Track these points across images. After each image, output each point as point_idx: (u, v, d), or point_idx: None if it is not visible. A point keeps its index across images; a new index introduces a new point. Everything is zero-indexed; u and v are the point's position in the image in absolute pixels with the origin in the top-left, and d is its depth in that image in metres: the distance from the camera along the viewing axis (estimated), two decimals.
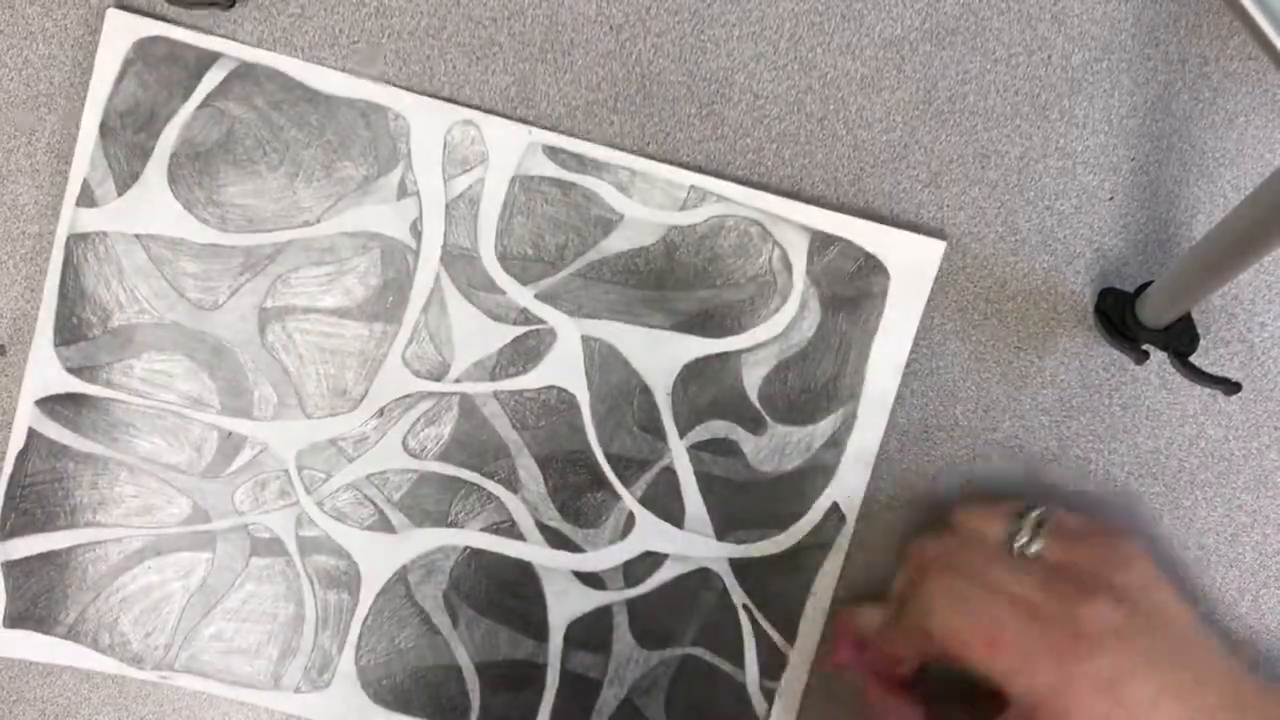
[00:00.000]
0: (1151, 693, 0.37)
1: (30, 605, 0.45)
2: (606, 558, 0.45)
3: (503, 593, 0.46)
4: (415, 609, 0.46)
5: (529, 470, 0.45)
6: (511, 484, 0.45)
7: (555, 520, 0.45)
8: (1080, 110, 0.45)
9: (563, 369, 0.45)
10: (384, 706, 0.45)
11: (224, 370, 0.45)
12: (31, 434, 0.45)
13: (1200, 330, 0.44)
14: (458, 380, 0.45)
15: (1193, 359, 0.44)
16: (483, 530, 0.46)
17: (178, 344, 0.45)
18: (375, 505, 0.45)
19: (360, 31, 0.45)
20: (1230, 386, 0.44)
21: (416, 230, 0.45)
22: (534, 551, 0.45)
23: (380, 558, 0.45)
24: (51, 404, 0.45)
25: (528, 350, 0.45)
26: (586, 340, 0.45)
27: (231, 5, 0.45)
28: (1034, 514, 0.41)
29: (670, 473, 0.45)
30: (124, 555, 0.45)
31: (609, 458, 0.45)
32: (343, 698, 0.46)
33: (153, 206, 0.45)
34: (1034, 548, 0.40)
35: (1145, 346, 0.44)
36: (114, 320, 0.45)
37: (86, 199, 0.45)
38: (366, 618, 0.46)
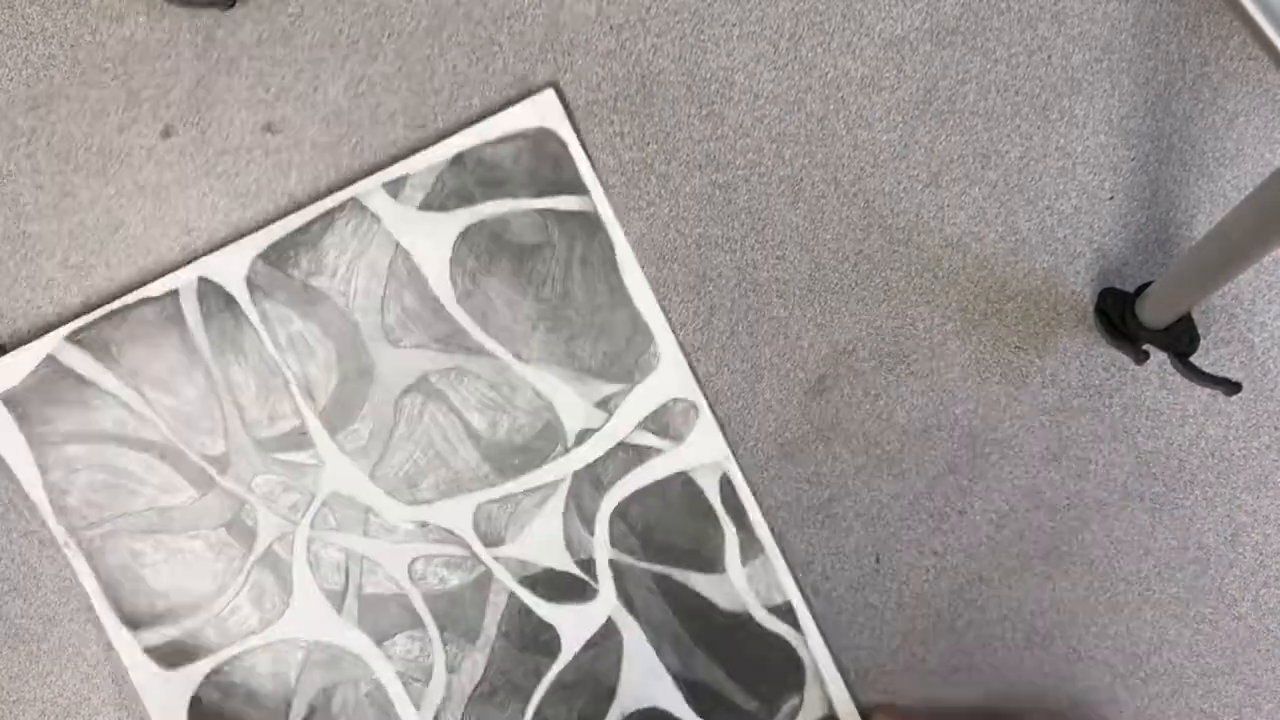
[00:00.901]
0: None
1: (33, 400, 0.46)
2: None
3: None
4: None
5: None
6: (455, 653, 0.47)
7: None
8: (1080, 110, 0.45)
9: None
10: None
11: (354, 386, 0.46)
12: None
13: (1200, 330, 0.44)
14: (496, 559, 0.47)
15: (1193, 359, 0.44)
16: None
17: (341, 336, 0.46)
18: (347, 578, 0.47)
19: (360, 31, 0.45)
20: (1230, 386, 0.44)
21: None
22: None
23: (316, 619, 0.47)
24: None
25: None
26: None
27: (231, 5, 0.45)
28: None
29: None
30: (137, 427, 0.46)
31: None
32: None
33: None
34: None
35: (1145, 346, 0.44)
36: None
37: None
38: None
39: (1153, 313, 0.43)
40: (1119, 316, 0.44)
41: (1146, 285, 0.44)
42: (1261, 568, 0.46)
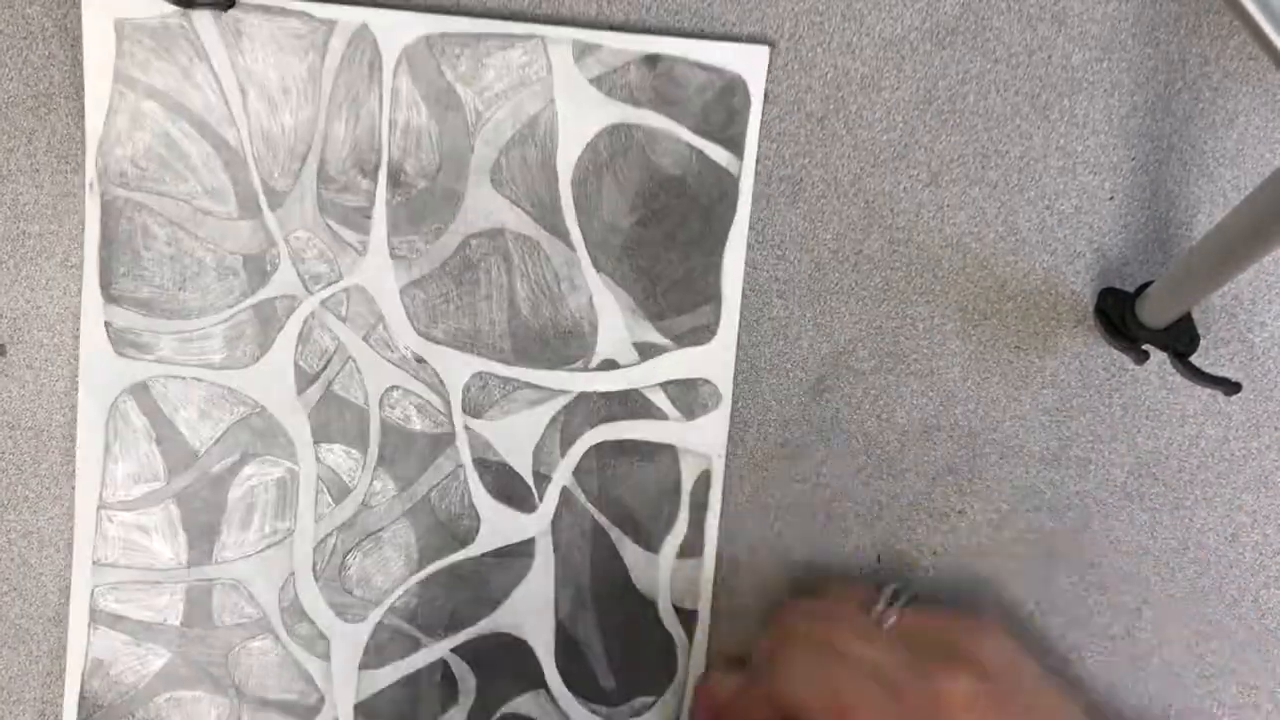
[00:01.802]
0: None
1: (143, 41, 0.45)
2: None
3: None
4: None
5: None
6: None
7: None
8: (1080, 110, 0.45)
9: None
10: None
11: (436, 203, 0.45)
12: None
13: (1200, 330, 0.44)
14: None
15: (1193, 359, 0.44)
16: None
17: (453, 152, 0.45)
18: (325, 367, 0.46)
19: None
20: (1230, 386, 0.44)
21: None
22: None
23: (275, 387, 0.46)
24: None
25: None
26: None
27: (230, 5, 0.45)
28: (891, 586, 0.42)
29: None
30: (221, 121, 0.45)
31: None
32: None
33: None
34: (891, 619, 0.41)
35: (1145, 346, 0.44)
36: None
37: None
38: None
39: (1153, 313, 0.43)
40: (1119, 316, 0.44)
41: (1146, 285, 0.44)
42: (1261, 568, 0.46)
